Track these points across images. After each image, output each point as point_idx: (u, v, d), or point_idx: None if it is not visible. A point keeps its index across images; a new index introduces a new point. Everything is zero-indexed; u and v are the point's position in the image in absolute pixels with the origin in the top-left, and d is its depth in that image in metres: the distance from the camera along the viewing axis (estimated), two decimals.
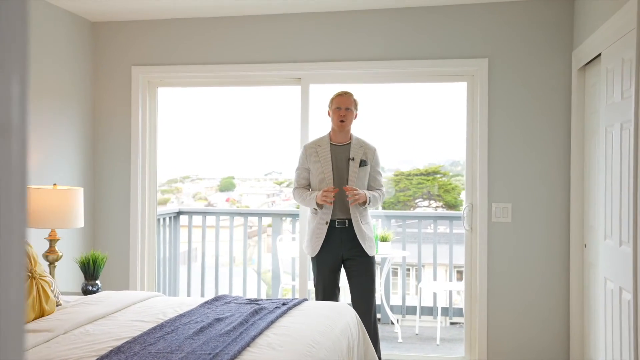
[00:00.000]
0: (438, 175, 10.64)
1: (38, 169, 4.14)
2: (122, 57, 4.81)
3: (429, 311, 6.20)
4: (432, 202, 11.01)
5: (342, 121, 3.88)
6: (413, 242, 6.45)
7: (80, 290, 4.02)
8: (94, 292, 3.95)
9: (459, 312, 6.22)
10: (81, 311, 2.79)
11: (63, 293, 3.94)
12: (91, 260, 3.94)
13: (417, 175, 10.50)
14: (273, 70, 4.65)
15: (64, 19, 4.46)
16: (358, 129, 4.13)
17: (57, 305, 3.05)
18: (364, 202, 3.83)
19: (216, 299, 3.21)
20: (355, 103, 3.95)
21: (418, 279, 6.30)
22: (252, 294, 6.43)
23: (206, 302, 3.10)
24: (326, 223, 3.82)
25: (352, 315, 3.17)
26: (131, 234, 4.76)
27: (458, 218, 6.13)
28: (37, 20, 4.14)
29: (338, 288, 4.00)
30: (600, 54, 3.53)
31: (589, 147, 3.99)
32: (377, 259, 5.19)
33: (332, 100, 3.95)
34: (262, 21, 4.64)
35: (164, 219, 6.24)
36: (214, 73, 4.73)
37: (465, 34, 4.41)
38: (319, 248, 3.85)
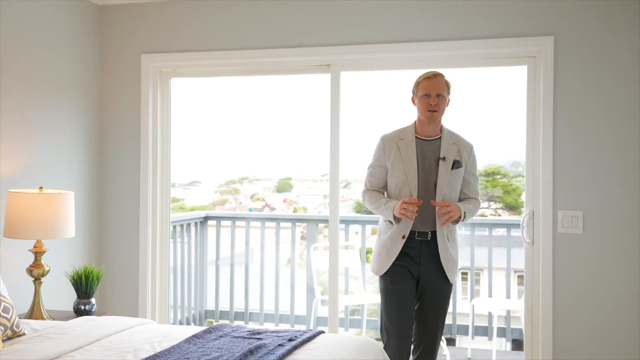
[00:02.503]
0: (498, 176, 10.16)
1: (31, 171, 3.64)
2: (130, 43, 4.28)
3: (484, 331, 5.46)
4: (491, 203, 10.46)
5: (432, 111, 3.11)
6: (465, 246, 5.72)
7: (72, 309, 3.50)
8: (87, 312, 3.44)
9: (518, 333, 5.45)
10: (32, 349, 2.23)
11: (51, 312, 3.44)
12: (83, 275, 3.42)
13: None
14: (298, 56, 4.03)
15: (67, 2, 3.95)
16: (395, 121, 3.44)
17: (17, 336, 2.51)
18: (458, 219, 3.09)
19: (210, 330, 2.61)
20: (447, 87, 3.16)
21: (471, 289, 5.55)
22: (285, 303, 5.84)
23: (195, 336, 2.50)
24: (403, 237, 3.08)
25: (377, 353, 2.52)
26: (141, 244, 4.23)
27: (517, 225, 5.37)
28: (36, 3, 3.64)
29: (414, 320, 3.18)
30: None
31: None
32: None
33: (418, 84, 3.17)
34: (285, 0, 4.03)
35: (189, 224, 5.73)
36: (232, 60, 4.14)
37: (525, 6, 3.68)
38: (388, 266, 3.10)
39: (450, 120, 3.35)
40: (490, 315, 5.24)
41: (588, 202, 3.62)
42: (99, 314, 3.54)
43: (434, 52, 3.84)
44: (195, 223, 5.82)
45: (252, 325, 3.15)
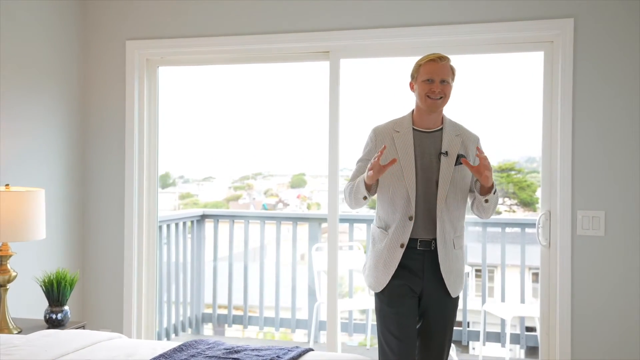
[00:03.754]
0: (512, 172, 9.88)
1: (2, 167, 3.35)
2: (114, 29, 3.97)
3: (496, 337, 5.12)
4: (506, 199, 10.08)
5: (435, 99, 2.65)
6: (477, 242, 5.37)
7: (43, 318, 3.22)
8: (59, 322, 3.15)
9: (533, 339, 5.11)
10: None
11: (19, 321, 3.16)
12: (55, 281, 3.14)
13: None
14: (294, 42, 3.72)
15: None
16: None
17: None
18: (490, 188, 2.62)
19: (181, 348, 2.30)
20: (452, 72, 2.71)
21: (483, 290, 5.21)
22: (287, 307, 5.54)
23: (163, 355, 2.20)
24: (402, 246, 2.63)
25: None
26: (125, 246, 3.93)
27: (532, 225, 5.03)
28: None
29: (416, 343, 2.73)
30: None
31: None
32: None
33: (419, 67, 2.70)
34: None
35: (184, 223, 5.45)
36: (225, 47, 3.84)
37: None
38: (386, 281, 2.66)
39: (460, 112, 3.00)
40: (503, 322, 4.91)
41: (611, 201, 3.28)
42: (74, 324, 3.26)
43: (441, 37, 3.52)
44: (192, 222, 5.53)
45: (232, 342, 2.84)
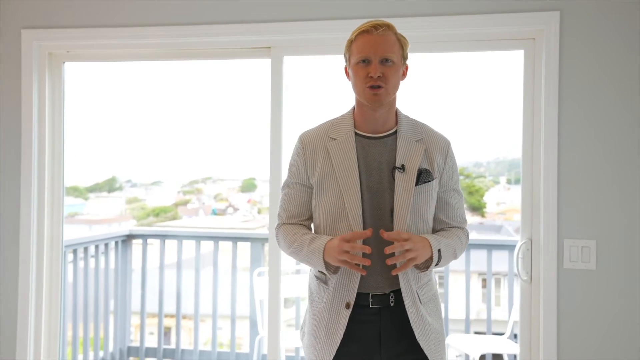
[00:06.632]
0: (461, 177, 9.89)
1: None
2: (6, 15, 3.27)
3: None
4: None
5: (376, 88, 1.91)
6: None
7: None
8: None
9: None
10: None
11: None
12: None
13: None
14: (229, 36, 3.10)
15: None
16: None
17: None
18: (427, 265, 1.96)
19: None
20: (401, 46, 1.98)
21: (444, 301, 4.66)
22: (225, 338, 4.90)
23: None
24: (347, 307, 1.94)
25: None
26: (21, 274, 3.22)
27: (504, 247, 4.55)
28: None
29: None
30: None
31: None
32: None
33: (351, 44, 1.97)
34: None
35: (107, 244, 4.75)
36: (145, 40, 3.19)
37: None
38: (332, 355, 1.95)
39: (413, 113, 2.34)
40: (467, 357, 4.37)
41: (603, 229, 2.76)
42: None
43: (404, 32, 2.94)
44: (116, 242, 4.82)
45: None
